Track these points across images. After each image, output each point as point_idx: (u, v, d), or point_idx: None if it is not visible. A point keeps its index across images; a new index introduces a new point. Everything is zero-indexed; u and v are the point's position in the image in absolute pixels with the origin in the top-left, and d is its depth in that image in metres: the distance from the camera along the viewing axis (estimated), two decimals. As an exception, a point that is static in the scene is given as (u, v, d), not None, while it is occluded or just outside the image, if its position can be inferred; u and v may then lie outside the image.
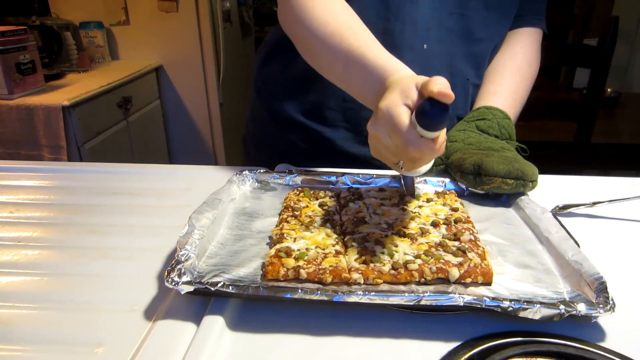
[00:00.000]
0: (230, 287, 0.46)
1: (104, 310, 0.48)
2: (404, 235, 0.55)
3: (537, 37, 0.90)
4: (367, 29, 0.66)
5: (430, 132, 0.47)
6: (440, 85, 0.46)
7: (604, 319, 0.45)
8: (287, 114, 0.89)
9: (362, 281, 0.48)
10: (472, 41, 0.82)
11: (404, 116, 0.49)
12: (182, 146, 2.55)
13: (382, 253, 0.51)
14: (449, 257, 0.51)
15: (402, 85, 0.51)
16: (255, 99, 0.97)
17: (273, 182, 0.74)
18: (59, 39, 2.05)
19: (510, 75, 0.86)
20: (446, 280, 0.49)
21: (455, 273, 0.48)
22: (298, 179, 0.75)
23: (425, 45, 0.80)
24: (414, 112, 0.49)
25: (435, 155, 0.50)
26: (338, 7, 0.68)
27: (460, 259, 0.50)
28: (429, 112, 0.46)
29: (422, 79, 0.50)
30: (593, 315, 0.43)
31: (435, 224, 0.58)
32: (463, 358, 0.41)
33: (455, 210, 0.61)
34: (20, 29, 1.65)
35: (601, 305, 0.43)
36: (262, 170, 0.75)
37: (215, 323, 0.45)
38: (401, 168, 0.53)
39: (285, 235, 0.55)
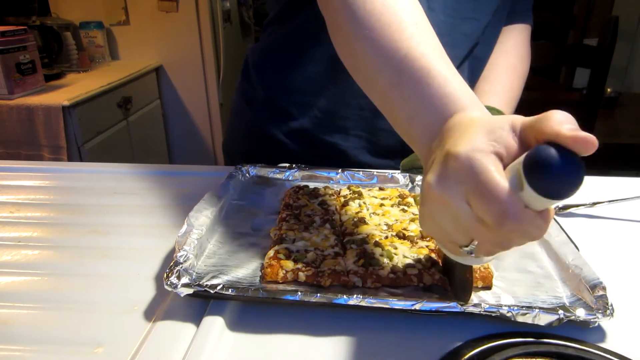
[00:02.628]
0: (230, 290, 0.46)
1: (104, 310, 0.48)
2: (404, 238, 0.55)
3: (527, 33, 0.90)
4: (436, 35, 0.47)
5: (552, 199, 0.30)
6: (571, 125, 0.30)
7: (604, 321, 0.45)
8: (289, 124, 0.83)
9: (360, 284, 0.48)
10: (474, 45, 0.82)
11: (499, 172, 0.32)
12: (182, 146, 2.55)
13: (382, 256, 0.51)
14: None
15: (490, 124, 0.35)
16: (244, 109, 0.90)
17: (273, 178, 0.74)
18: (59, 39, 2.05)
19: (505, 74, 0.85)
20: (445, 288, 0.49)
21: None
22: (298, 174, 0.75)
23: None
24: (518, 166, 0.31)
25: (539, 237, 0.33)
26: None
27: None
28: (558, 166, 0.28)
29: (519, 118, 0.34)
30: (592, 320, 0.43)
31: None
32: (463, 358, 0.41)
33: (455, 210, 0.61)
34: (20, 29, 1.65)
35: (600, 311, 0.43)
36: (261, 166, 0.75)
37: (215, 324, 0.45)
38: (470, 254, 0.36)
39: (284, 235, 0.55)
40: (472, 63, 0.84)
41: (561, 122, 0.30)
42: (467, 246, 0.35)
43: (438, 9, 0.74)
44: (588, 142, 0.29)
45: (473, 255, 0.36)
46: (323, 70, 0.78)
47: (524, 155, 0.31)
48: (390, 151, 0.84)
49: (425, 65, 0.43)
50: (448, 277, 0.48)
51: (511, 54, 0.87)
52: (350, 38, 0.50)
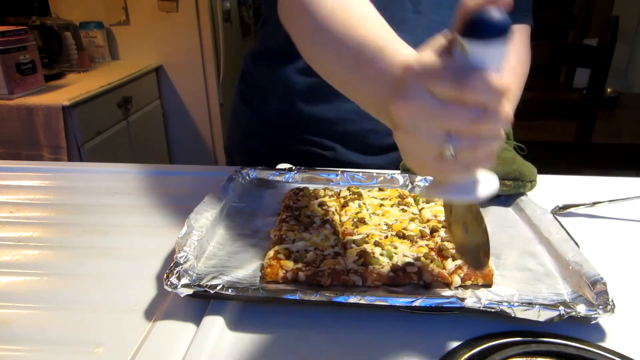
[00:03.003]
0: (230, 290, 0.46)
1: (104, 310, 0.48)
2: (404, 237, 0.55)
3: (526, 33, 0.90)
4: (387, 23, 0.51)
5: (491, 39, 0.34)
6: None
7: (604, 319, 0.45)
8: (280, 128, 0.86)
9: (360, 283, 0.48)
10: None
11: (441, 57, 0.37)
12: (182, 146, 2.55)
13: (381, 255, 0.51)
14: (448, 261, 0.50)
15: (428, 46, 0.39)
16: (243, 109, 0.92)
17: (273, 180, 0.74)
18: (59, 39, 2.05)
19: (504, 74, 0.86)
20: (446, 283, 0.49)
21: (457, 280, 0.48)
22: (298, 177, 0.75)
23: None
24: (455, 41, 0.36)
25: (503, 91, 0.35)
26: None
27: (459, 262, 0.50)
28: (486, 11, 0.34)
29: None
30: (592, 316, 0.43)
31: (434, 228, 0.57)
32: (463, 358, 0.41)
33: (455, 210, 0.61)
34: (20, 29, 1.65)
35: (601, 307, 0.43)
36: (261, 168, 0.75)
37: (215, 323, 0.45)
38: (453, 156, 0.37)
39: (284, 236, 0.55)
40: None
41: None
42: (446, 144, 0.36)
43: (427, 10, 0.75)
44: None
45: (457, 158, 0.37)
46: (307, 77, 0.80)
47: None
48: (380, 149, 0.85)
49: (379, 47, 0.46)
50: (457, 243, 0.49)
51: (510, 55, 0.87)
52: (311, 40, 0.55)
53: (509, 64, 0.86)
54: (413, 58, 0.38)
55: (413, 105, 0.37)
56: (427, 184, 0.43)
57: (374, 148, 0.85)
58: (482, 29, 0.34)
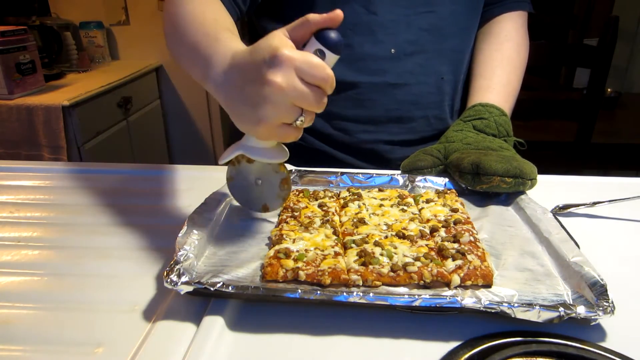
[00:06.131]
0: (230, 287, 0.46)
1: (104, 310, 0.48)
2: (404, 237, 0.55)
3: (521, 20, 0.89)
4: (233, 27, 0.64)
5: (334, 53, 0.48)
6: (317, 16, 0.48)
7: (605, 320, 0.45)
8: None
9: (360, 283, 0.48)
10: (444, 37, 0.82)
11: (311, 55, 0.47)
12: (182, 146, 2.55)
13: (382, 255, 0.51)
14: (448, 261, 0.50)
15: (270, 36, 0.48)
16: None
17: None
18: (59, 39, 2.05)
19: (500, 67, 0.85)
20: (446, 283, 0.49)
21: (456, 280, 0.48)
22: (297, 179, 0.75)
23: (392, 50, 0.81)
24: (313, 48, 0.48)
25: (331, 89, 0.48)
26: (211, 6, 0.68)
27: (459, 262, 0.50)
28: (335, 32, 0.48)
29: (281, 30, 0.49)
30: (592, 317, 0.43)
31: (434, 228, 0.57)
32: (463, 358, 0.41)
33: (455, 211, 0.61)
34: (20, 29, 1.65)
35: (601, 308, 0.43)
36: None
37: (215, 323, 0.45)
38: (296, 125, 0.49)
39: (284, 236, 0.55)
40: (448, 57, 0.84)
41: (315, 16, 0.47)
42: (296, 119, 0.48)
43: (382, 11, 0.78)
44: (334, 16, 0.46)
45: (299, 123, 0.48)
46: None
47: (312, 41, 0.48)
48: (351, 148, 0.89)
49: (214, 36, 0.58)
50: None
51: (506, 45, 0.87)
52: (172, 36, 0.67)
53: (503, 56, 0.86)
54: (276, 43, 0.46)
55: (286, 83, 0.46)
56: (238, 150, 0.55)
57: (346, 145, 0.89)
58: (337, 46, 0.48)
